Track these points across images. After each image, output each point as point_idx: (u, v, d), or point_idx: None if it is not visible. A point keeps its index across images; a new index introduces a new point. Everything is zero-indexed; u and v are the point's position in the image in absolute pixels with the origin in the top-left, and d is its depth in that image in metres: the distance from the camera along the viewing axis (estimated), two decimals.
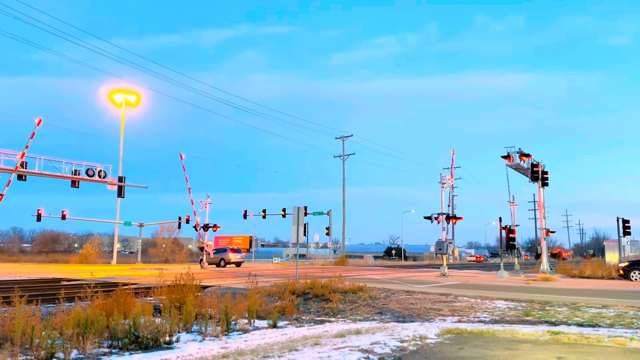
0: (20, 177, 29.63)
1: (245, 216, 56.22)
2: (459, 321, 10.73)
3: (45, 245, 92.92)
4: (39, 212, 52.51)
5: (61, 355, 7.34)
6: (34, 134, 29.53)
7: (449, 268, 29.93)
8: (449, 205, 30.15)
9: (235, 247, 53.45)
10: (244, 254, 48.86)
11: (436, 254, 34.39)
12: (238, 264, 45.59)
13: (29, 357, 7.23)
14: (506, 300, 14.32)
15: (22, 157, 29.23)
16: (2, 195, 27.76)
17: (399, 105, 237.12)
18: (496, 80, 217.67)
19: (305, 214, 23.12)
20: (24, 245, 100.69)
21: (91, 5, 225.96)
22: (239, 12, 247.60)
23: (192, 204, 42.30)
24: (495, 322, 10.58)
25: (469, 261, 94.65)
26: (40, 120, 29.38)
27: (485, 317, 11.29)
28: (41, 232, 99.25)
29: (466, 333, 8.60)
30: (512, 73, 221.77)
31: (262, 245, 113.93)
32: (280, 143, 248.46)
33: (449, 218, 29.63)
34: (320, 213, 55.60)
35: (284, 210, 52.98)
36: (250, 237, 76.60)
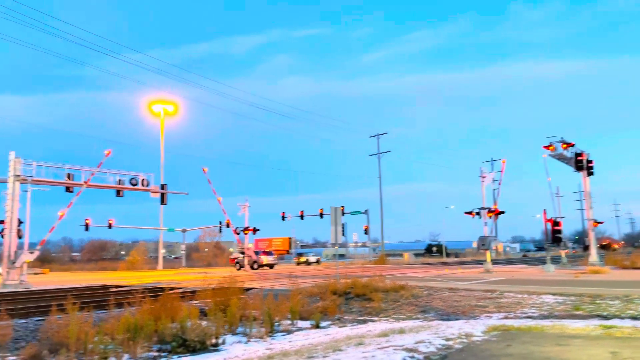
0: (67, 190, 30.84)
1: (283, 218, 56.71)
2: (506, 317, 10.50)
3: (94, 253, 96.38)
4: (87, 222, 54.54)
5: (113, 359, 7.60)
6: (101, 163, 30.94)
7: (493, 264, 29.30)
8: (495, 204, 29.49)
9: (267, 250, 53.88)
10: (275, 256, 49.17)
11: (479, 249, 33.74)
12: (271, 266, 45.85)
13: None
14: (554, 294, 13.91)
15: (86, 183, 30.50)
16: (62, 214, 29.08)
17: (434, 99, 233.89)
18: (536, 69, 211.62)
19: (343, 214, 23.05)
20: (74, 254, 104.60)
21: (127, 19, 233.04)
22: (270, 17, 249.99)
23: (225, 213, 43.19)
24: (543, 317, 10.29)
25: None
26: (109, 152, 30.81)
27: (533, 313, 11.00)
28: (89, 241, 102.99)
29: (513, 329, 8.41)
30: (552, 60, 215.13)
31: (301, 246, 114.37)
32: (315, 144, 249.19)
33: (490, 212, 28.99)
34: (358, 212, 55.44)
35: (321, 210, 53.11)
36: (289, 238, 77.20)
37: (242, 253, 44.92)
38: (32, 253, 27.16)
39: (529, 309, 11.57)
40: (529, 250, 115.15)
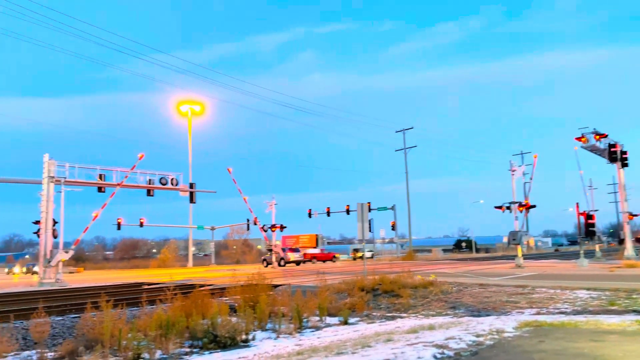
0: (99, 190, 31.59)
1: (310, 215, 56.81)
2: (538, 313, 10.30)
3: (126, 252, 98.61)
4: (119, 221, 55.79)
5: (146, 355, 7.77)
6: (134, 166, 31.78)
7: (524, 259, 28.76)
8: (526, 198, 28.89)
9: (293, 247, 54.19)
10: (301, 252, 49.40)
11: (509, 244, 33.16)
12: (297, 263, 46.04)
13: (118, 358, 7.72)
14: (588, 289, 13.57)
15: (120, 185, 31.34)
16: (96, 215, 29.97)
17: (462, 92, 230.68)
18: (566, 58, 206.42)
19: (370, 210, 22.89)
20: (107, 253, 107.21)
21: (154, 22, 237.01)
22: (294, 15, 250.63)
23: (251, 211, 43.88)
24: (577, 313, 10.06)
25: None
26: (142, 155, 31.97)
27: (566, 308, 10.76)
28: (122, 240, 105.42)
29: (546, 325, 8.24)
30: (582, 50, 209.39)
31: (328, 243, 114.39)
32: (340, 141, 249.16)
33: (521, 206, 28.45)
34: (385, 208, 55.14)
35: (347, 207, 53.02)
36: (316, 235, 77.15)
37: (270, 250, 45.25)
38: (67, 252, 27.94)
39: (562, 305, 11.32)
40: (561, 245, 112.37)
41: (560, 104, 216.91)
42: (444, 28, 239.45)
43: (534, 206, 29.38)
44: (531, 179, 30.39)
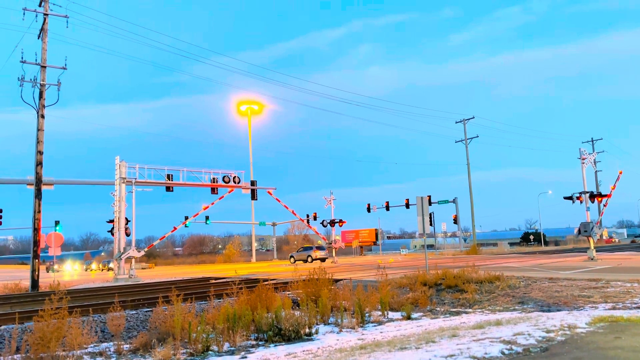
0: (168, 189, 32.99)
1: (368, 209, 56.49)
2: (614, 308, 9.76)
3: (193, 248, 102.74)
4: (186, 218, 58.16)
5: (215, 348, 8.07)
6: (223, 196, 33.62)
7: (597, 251, 27.28)
8: (613, 190, 27.22)
9: (319, 245, 53.19)
10: (327, 251, 48.50)
11: (578, 236, 31.52)
12: (322, 260, 45.34)
13: (188, 350, 8.07)
14: None
15: (231, 185, 33.41)
16: (176, 228, 31.70)
17: (525, 79, 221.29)
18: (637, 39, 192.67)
19: (430, 204, 22.36)
20: (176, 249, 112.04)
21: (215, 26, 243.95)
22: (352, 8, 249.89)
23: (303, 220, 45.14)
24: None
25: None
26: (237, 181, 33.95)
27: None
28: (189, 237, 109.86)
29: (622, 321, 7.80)
30: None
31: (388, 237, 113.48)
32: (398, 134, 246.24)
33: (593, 196, 26.97)
34: (446, 201, 53.92)
35: (407, 200, 52.28)
36: (376, 229, 76.71)
37: (329, 246, 45.38)
38: (138, 251, 29.44)
39: None
40: (638, 236, 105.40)
41: (634, 86, 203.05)
42: (506, 13, 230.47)
43: (607, 196, 27.78)
44: (613, 189, 28.52)
